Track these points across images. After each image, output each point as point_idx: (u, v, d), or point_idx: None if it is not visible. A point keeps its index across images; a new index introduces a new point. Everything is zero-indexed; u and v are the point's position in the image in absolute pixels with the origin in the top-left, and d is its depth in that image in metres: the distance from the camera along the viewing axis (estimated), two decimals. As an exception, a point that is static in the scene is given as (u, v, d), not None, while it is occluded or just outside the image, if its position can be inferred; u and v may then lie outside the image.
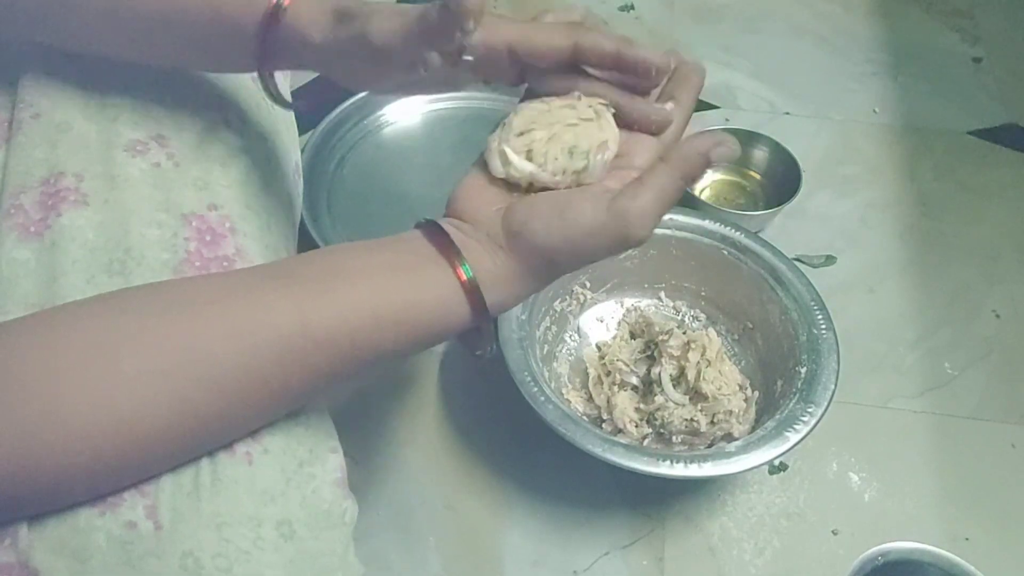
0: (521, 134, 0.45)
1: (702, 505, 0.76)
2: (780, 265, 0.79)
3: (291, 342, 0.38)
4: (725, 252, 0.81)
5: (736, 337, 0.84)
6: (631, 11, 1.23)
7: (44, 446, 0.33)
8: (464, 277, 0.41)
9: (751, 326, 0.82)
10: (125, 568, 0.35)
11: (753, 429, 0.74)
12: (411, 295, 0.41)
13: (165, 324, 0.36)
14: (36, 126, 0.46)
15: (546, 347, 0.80)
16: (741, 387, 0.78)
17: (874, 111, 1.11)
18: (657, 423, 0.75)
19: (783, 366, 0.76)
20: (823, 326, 0.75)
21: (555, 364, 0.81)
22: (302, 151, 0.75)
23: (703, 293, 0.85)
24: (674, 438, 0.75)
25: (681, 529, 0.75)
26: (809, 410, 0.69)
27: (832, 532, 0.75)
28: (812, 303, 0.77)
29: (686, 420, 0.74)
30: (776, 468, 0.78)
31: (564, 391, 0.80)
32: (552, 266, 0.43)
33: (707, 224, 0.82)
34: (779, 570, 0.73)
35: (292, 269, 0.42)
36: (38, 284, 0.41)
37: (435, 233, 0.43)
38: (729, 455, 0.67)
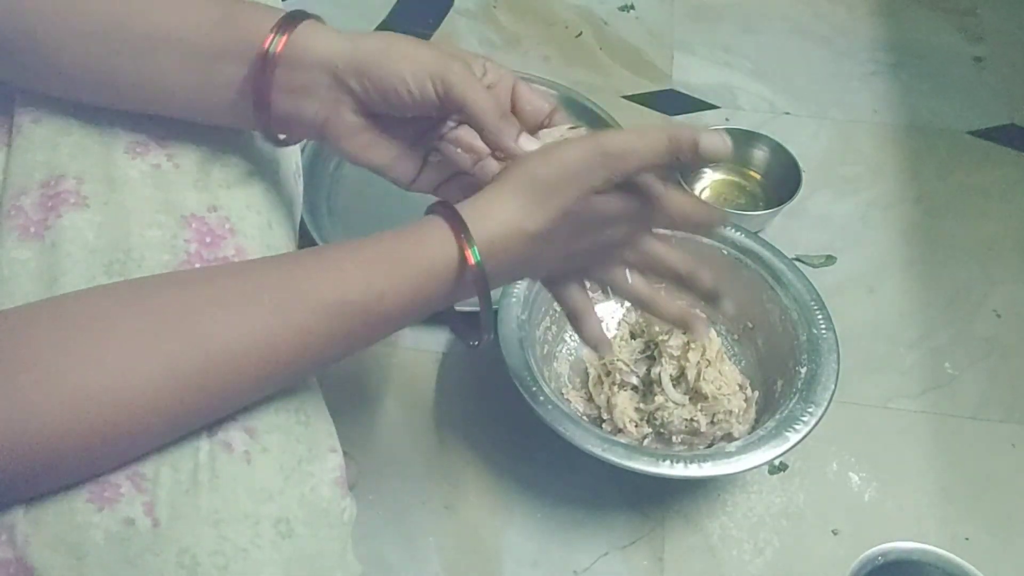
0: None
1: (702, 505, 0.76)
2: (780, 265, 0.79)
3: (277, 297, 0.39)
4: (725, 252, 0.81)
5: (736, 337, 0.84)
6: (631, 11, 1.23)
7: (41, 418, 0.33)
8: (472, 259, 0.42)
9: (751, 326, 0.82)
10: (122, 565, 0.35)
11: (753, 429, 0.74)
12: (406, 249, 0.42)
13: (160, 295, 0.37)
14: (37, 130, 0.46)
15: (546, 347, 0.80)
16: (741, 387, 0.78)
17: (875, 111, 1.11)
18: (657, 423, 0.75)
19: (783, 366, 0.76)
20: (823, 326, 0.75)
21: (555, 364, 0.81)
22: (302, 151, 0.75)
23: None
24: (674, 438, 0.75)
25: (681, 529, 0.75)
26: (809, 410, 0.69)
27: (832, 532, 0.75)
28: (812, 303, 0.77)
29: (686, 420, 0.74)
30: (776, 468, 0.78)
31: (564, 391, 0.80)
32: (546, 190, 0.44)
33: None
34: (779, 570, 0.73)
35: (294, 253, 0.44)
36: (38, 285, 0.41)
37: (444, 206, 0.44)
38: (729, 455, 0.67)
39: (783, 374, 0.75)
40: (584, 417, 0.78)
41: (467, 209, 0.43)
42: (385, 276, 0.41)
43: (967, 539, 0.74)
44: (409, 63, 0.44)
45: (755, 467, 0.67)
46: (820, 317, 0.76)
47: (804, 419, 0.69)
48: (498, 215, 0.44)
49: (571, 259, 0.50)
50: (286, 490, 0.39)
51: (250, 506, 0.37)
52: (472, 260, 0.42)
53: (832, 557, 0.73)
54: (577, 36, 1.20)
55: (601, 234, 0.48)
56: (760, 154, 1.00)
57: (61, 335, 0.35)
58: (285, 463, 0.40)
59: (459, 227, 0.43)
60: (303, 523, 0.39)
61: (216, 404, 0.38)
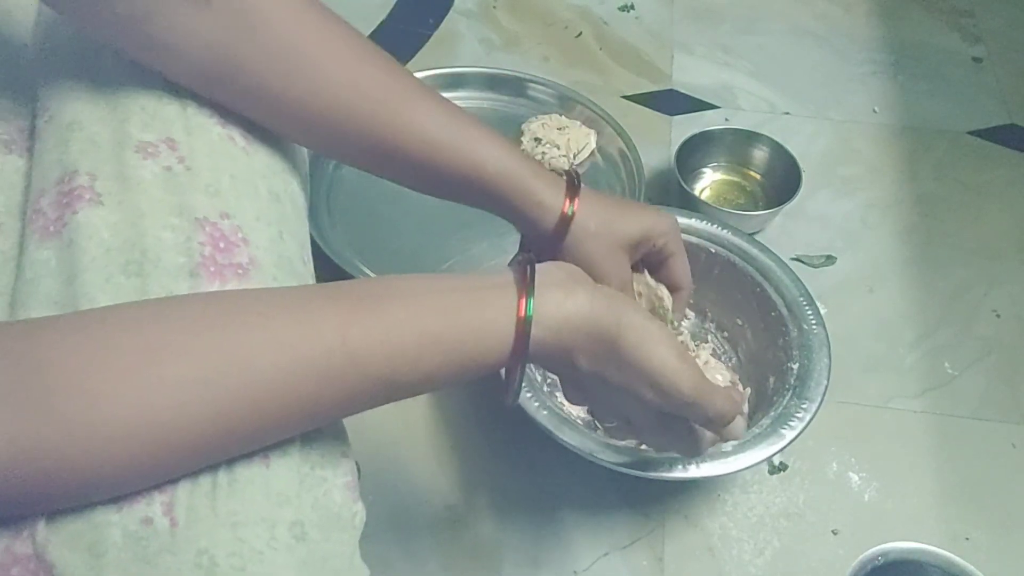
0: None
1: (702, 505, 0.76)
2: (768, 262, 0.79)
3: (330, 359, 0.38)
4: (712, 250, 0.81)
5: (726, 335, 0.83)
6: (631, 11, 1.24)
7: (80, 446, 0.33)
8: (523, 316, 0.42)
9: (740, 323, 0.82)
10: (140, 564, 0.35)
11: (747, 426, 0.74)
12: (460, 316, 0.42)
13: (210, 334, 0.37)
14: (49, 129, 0.46)
15: None
16: (732, 384, 0.77)
17: (874, 111, 1.11)
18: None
19: (775, 362, 0.76)
20: (813, 321, 0.75)
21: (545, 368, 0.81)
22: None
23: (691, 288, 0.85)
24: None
25: (681, 529, 0.75)
26: (803, 406, 0.69)
27: (832, 532, 0.75)
28: (801, 299, 0.76)
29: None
30: (776, 468, 0.78)
31: (558, 395, 0.80)
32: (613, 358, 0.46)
33: (694, 223, 0.82)
34: (779, 570, 0.73)
35: (347, 288, 0.42)
36: (59, 282, 0.41)
37: (526, 265, 0.45)
38: (726, 454, 0.67)
39: (775, 371, 0.75)
40: (578, 420, 0.78)
41: (547, 289, 0.44)
42: (438, 358, 0.41)
43: (967, 539, 0.74)
44: (636, 217, 0.59)
45: (753, 465, 0.67)
46: (810, 313, 0.76)
47: (799, 415, 0.69)
48: (569, 313, 0.44)
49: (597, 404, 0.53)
50: (301, 494, 0.39)
51: (267, 509, 0.38)
52: (523, 312, 0.42)
53: (832, 557, 0.73)
54: (577, 36, 1.20)
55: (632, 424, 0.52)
56: (760, 154, 1.00)
57: (103, 364, 0.35)
58: (300, 468, 0.40)
59: (527, 294, 0.43)
60: (316, 527, 0.39)
61: (251, 446, 0.39)
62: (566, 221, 0.56)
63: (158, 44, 0.45)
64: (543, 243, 0.57)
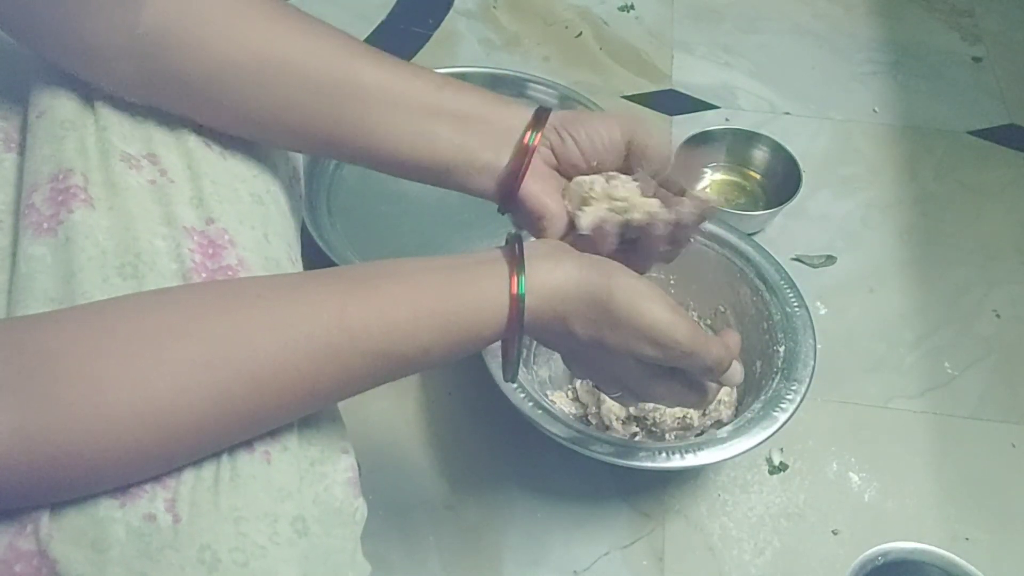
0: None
1: (702, 505, 0.76)
2: (746, 247, 0.79)
3: (329, 337, 0.39)
4: (690, 240, 0.81)
5: (709, 322, 0.83)
6: (631, 11, 1.24)
7: (84, 431, 0.34)
8: (515, 290, 0.43)
9: (723, 309, 0.82)
10: (143, 560, 0.35)
11: (737, 410, 0.74)
12: (453, 290, 0.43)
13: (209, 317, 0.38)
14: (41, 124, 0.46)
15: (525, 351, 0.80)
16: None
17: (874, 111, 1.11)
18: (649, 423, 0.76)
19: (760, 346, 0.76)
20: (795, 303, 0.75)
21: (535, 367, 0.81)
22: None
23: (672, 281, 0.85)
24: (667, 436, 0.75)
25: (681, 529, 0.75)
26: (793, 388, 0.70)
27: (832, 532, 0.75)
28: (782, 281, 0.77)
29: (678, 418, 0.75)
30: (776, 468, 0.78)
31: (548, 392, 0.80)
32: (606, 317, 0.46)
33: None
34: (779, 570, 0.73)
35: (343, 271, 0.44)
36: (56, 280, 0.41)
37: (514, 242, 0.46)
38: (722, 441, 0.67)
39: (761, 354, 0.76)
40: (570, 416, 0.78)
41: (536, 261, 0.45)
42: (434, 332, 0.42)
43: (967, 539, 0.74)
44: (603, 118, 0.52)
45: (749, 449, 0.67)
46: (792, 295, 0.76)
47: (789, 397, 0.69)
48: (559, 282, 0.45)
49: (594, 371, 0.52)
50: (302, 488, 0.40)
51: (268, 504, 0.38)
52: (515, 287, 0.43)
53: (832, 557, 0.73)
54: (577, 36, 1.20)
55: (630, 387, 0.51)
56: (760, 154, 1.00)
57: (106, 350, 0.35)
58: (300, 463, 0.40)
59: (517, 266, 0.44)
60: (318, 522, 0.39)
61: (254, 428, 0.39)
62: (525, 152, 0.51)
63: (93, 52, 0.45)
64: (502, 182, 0.52)
